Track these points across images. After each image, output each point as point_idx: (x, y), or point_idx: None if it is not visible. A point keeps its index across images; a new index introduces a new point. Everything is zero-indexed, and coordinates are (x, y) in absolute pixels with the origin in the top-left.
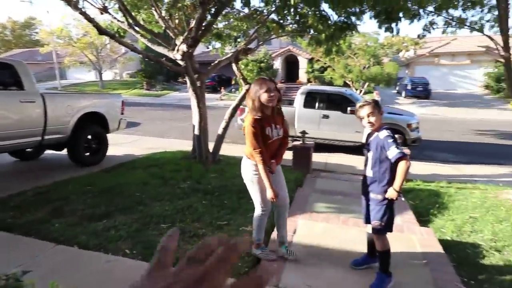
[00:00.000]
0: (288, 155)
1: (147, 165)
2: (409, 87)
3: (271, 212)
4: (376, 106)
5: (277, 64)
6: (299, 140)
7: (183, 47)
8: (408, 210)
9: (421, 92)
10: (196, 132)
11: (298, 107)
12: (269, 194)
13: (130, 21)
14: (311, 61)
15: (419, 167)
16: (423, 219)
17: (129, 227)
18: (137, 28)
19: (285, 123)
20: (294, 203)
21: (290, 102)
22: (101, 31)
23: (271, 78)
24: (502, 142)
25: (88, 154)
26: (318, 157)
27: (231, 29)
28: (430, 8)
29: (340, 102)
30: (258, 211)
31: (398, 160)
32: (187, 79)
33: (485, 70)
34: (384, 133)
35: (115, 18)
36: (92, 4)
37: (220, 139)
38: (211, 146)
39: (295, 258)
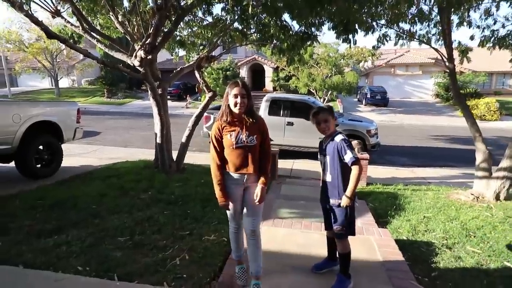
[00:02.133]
0: None
1: (106, 176)
2: (368, 95)
3: None
4: (330, 112)
5: (243, 72)
6: None
7: (141, 53)
8: (368, 212)
9: (380, 100)
10: (158, 140)
11: (263, 114)
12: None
13: (86, 25)
14: (276, 70)
15: (378, 171)
16: (382, 221)
17: (83, 242)
18: (93, 33)
19: (266, 134)
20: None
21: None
22: (51, 34)
23: (245, 82)
24: (452, 146)
25: (39, 166)
26: (283, 164)
27: (195, 37)
28: (383, 22)
29: (304, 110)
30: (230, 226)
31: (352, 164)
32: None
33: (435, 80)
34: (339, 137)
35: (68, 22)
36: (42, 7)
37: (184, 148)
38: (175, 154)
39: None
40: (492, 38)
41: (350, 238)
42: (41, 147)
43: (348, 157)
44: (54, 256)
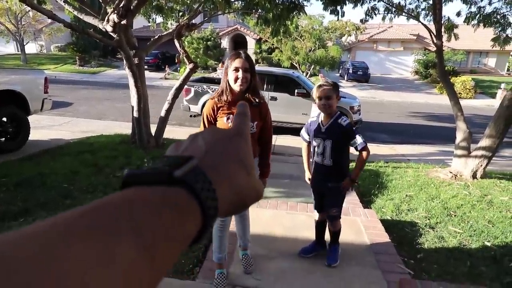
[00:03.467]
0: None
1: (78, 151)
2: (350, 71)
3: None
4: (335, 89)
5: (225, 43)
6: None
7: (114, 17)
8: (353, 192)
9: (361, 76)
10: (135, 114)
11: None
12: None
13: None
14: (259, 41)
15: None
16: (366, 199)
17: None
18: None
19: (268, 121)
20: None
21: None
22: None
23: (248, 55)
24: (429, 123)
25: (3, 139)
26: None
27: (174, 2)
28: None
29: (287, 84)
30: (216, 223)
31: (362, 149)
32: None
33: (415, 57)
34: (346, 120)
35: None
36: None
37: (163, 122)
38: (153, 129)
39: (250, 270)
40: (478, 15)
41: None
42: (4, 119)
43: (359, 141)
44: None
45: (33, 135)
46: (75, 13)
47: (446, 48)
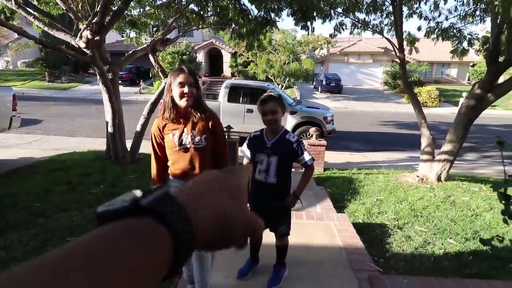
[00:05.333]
0: None
1: (50, 169)
2: (324, 82)
3: None
4: (279, 102)
5: (200, 57)
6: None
7: (87, 34)
8: (327, 198)
9: (334, 87)
10: (110, 129)
11: (223, 101)
12: None
13: (20, 0)
14: (234, 55)
15: (334, 156)
16: (339, 205)
17: (25, 245)
18: (29, 9)
19: (219, 133)
20: None
21: (215, 96)
22: None
23: (192, 69)
24: (399, 131)
25: None
26: None
27: (148, 17)
28: (340, 10)
29: None
30: None
31: (308, 165)
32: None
33: (384, 69)
34: (295, 137)
35: None
36: None
37: (139, 137)
38: (129, 144)
39: None
40: (437, 30)
41: (311, 224)
42: None
43: (307, 158)
44: None
45: (0, 154)
46: (46, 29)
47: (411, 60)
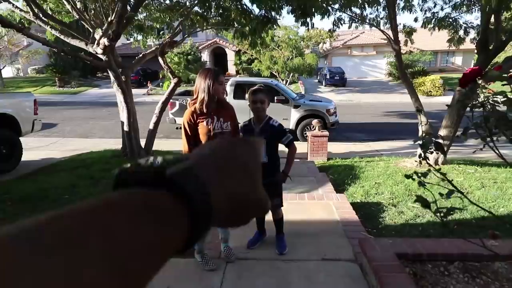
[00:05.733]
0: None
1: (72, 167)
2: (327, 76)
3: None
4: (267, 94)
5: (205, 56)
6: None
7: (105, 41)
8: (328, 183)
9: (338, 80)
10: (126, 128)
11: (228, 98)
12: None
13: (36, 10)
14: (238, 53)
15: (337, 147)
16: (340, 189)
17: None
18: (44, 19)
19: (235, 119)
20: None
21: None
22: (5, 23)
23: (215, 68)
24: (402, 121)
25: None
26: None
27: (153, 21)
28: (337, 6)
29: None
30: None
31: (291, 143)
32: (110, 74)
33: (387, 60)
34: (277, 122)
35: (16, 7)
36: None
37: (152, 135)
38: (142, 142)
39: (232, 260)
40: (433, 20)
41: (312, 203)
42: None
43: (288, 138)
44: None
45: (24, 156)
46: (62, 37)
47: (415, 50)
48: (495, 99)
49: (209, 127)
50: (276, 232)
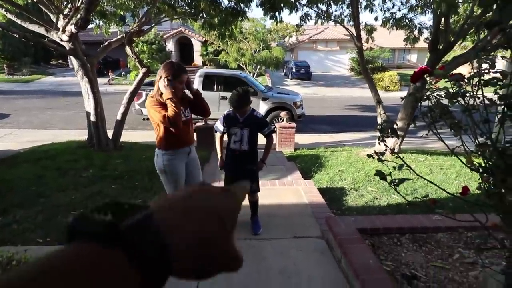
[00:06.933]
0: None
1: (36, 158)
2: (294, 70)
3: None
4: (249, 98)
5: (170, 46)
6: (201, 121)
7: (72, 28)
8: (296, 170)
9: (304, 74)
10: (93, 119)
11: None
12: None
13: None
14: (205, 44)
15: (304, 138)
16: (307, 176)
17: (34, 219)
18: None
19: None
20: (203, 177)
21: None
22: None
23: (179, 64)
24: (363, 114)
25: None
26: None
27: (117, 7)
28: (305, 2)
29: (236, 84)
30: None
31: (270, 134)
32: (74, 62)
33: (350, 55)
34: (260, 114)
35: None
36: None
37: (120, 125)
38: (109, 133)
39: None
40: (391, 20)
41: (283, 188)
42: None
43: (268, 130)
44: (8, 233)
45: None
46: (19, 21)
47: (375, 47)
48: (439, 93)
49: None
50: (251, 214)
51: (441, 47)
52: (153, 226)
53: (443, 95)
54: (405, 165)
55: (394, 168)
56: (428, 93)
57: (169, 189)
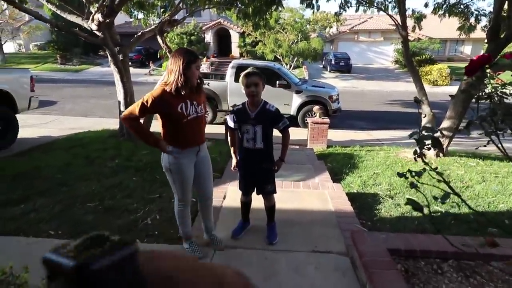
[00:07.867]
0: (220, 129)
1: (69, 146)
2: (333, 62)
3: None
4: (261, 77)
5: (208, 37)
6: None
7: (99, 17)
8: (325, 171)
9: (343, 66)
10: (122, 108)
11: (230, 81)
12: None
13: None
14: (243, 35)
15: (338, 135)
16: (337, 178)
17: (51, 208)
18: None
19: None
20: (226, 172)
21: (222, 77)
22: None
23: (193, 49)
24: (406, 110)
25: None
26: None
27: None
28: None
29: (269, 77)
30: (176, 203)
31: (286, 129)
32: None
33: (395, 47)
34: (273, 107)
35: None
36: None
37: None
38: None
39: (221, 247)
40: (444, 6)
41: (306, 192)
42: None
43: (284, 124)
44: (24, 222)
45: (21, 133)
46: (58, 12)
47: (423, 37)
48: (504, 90)
49: (185, 112)
50: (268, 220)
51: (502, 35)
52: (134, 267)
53: (509, 93)
54: (444, 181)
55: (435, 198)
56: (488, 89)
57: (175, 188)
